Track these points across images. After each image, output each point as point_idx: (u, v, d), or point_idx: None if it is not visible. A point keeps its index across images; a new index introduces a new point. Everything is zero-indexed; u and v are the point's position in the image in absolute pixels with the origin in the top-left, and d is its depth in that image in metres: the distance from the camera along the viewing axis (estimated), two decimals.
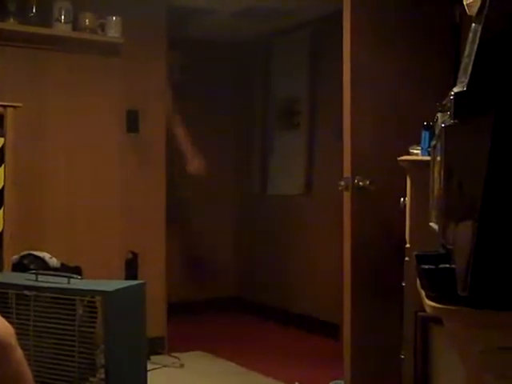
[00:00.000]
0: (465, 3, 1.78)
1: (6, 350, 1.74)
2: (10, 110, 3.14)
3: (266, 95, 5.20)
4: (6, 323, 1.81)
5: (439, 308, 1.38)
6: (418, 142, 2.54)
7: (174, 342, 4.05)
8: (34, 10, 3.61)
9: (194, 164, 4.31)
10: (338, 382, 3.15)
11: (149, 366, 2.90)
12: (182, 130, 4.39)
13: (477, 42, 1.33)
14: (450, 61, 2.92)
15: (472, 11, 1.70)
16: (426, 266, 1.53)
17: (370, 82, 2.96)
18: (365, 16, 2.94)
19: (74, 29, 3.76)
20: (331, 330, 4.08)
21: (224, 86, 4.84)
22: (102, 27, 3.86)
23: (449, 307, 1.35)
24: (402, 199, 2.59)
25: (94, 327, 2.39)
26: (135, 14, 3.96)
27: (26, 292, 2.48)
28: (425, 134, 2.45)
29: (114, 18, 3.87)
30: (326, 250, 4.32)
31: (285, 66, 4.99)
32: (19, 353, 1.80)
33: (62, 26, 3.70)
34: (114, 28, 3.88)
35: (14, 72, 3.53)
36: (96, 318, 2.39)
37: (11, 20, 3.54)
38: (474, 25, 1.48)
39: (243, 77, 5.25)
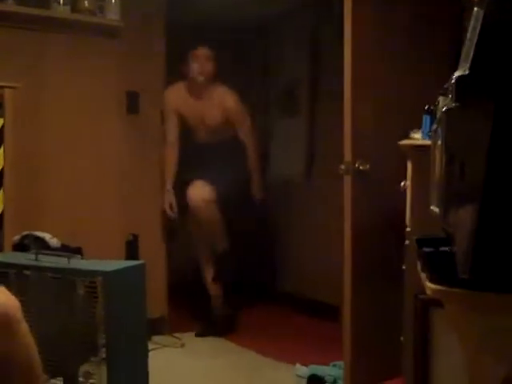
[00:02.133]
0: None
1: (12, 323, 1.77)
2: (8, 90, 3.14)
3: (265, 80, 5.19)
4: (12, 296, 1.83)
5: (439, 290, 1.39)
6: (418, 127, 2.54)
7: (176, 323, 4.08)
8: None
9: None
10: (338, 363, 3.18)
11: (149, 346, 2.92)
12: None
13: (479, 26, 1.33)
14: (452, 46, 2.91)
15: None
16: (427, 249, 1.54)
17: (372, 66, 2.96)
18: (365, 3, 2.93)
19: (73, 11, 3.73)
20: (331, 312, 4.10)
21: (223, 72, 4.82)
22: (101, 9, 3.84)
23: (449, 289, 1.36)
24: (402, 182, 2.60)
25: (94, 307, 2.41)
26: None
27: (25, 272, 2.50)
28: (426, 118, 2.45)
29: (113, 0, 3.85)
30: (326, 234, 4.33)
31: (285, 50, 4.97)
32: (25, 326, 1.82)
33: (60, 8, 3.68)
34: (113, 10, 3.86)
35: (12, 54, 3.51)
36: (96, 297, 2.40)
37: (10, 1, 3.52)
38: (476, 9, 1.48)
39: (243, 62, 5.23)
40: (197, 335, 3.99)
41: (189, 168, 4.21)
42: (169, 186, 4.16)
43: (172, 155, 4.21)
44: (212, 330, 4.03)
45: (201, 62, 4.09)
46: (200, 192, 4.10)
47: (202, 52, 4.11)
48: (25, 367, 1.81)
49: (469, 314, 1.39)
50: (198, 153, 4.25)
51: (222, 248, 4.26)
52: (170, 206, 4.12)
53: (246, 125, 4.28)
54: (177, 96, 4.20)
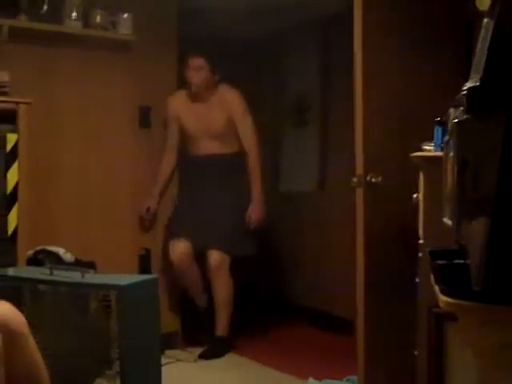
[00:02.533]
0: None
1: (19, 339, 1.77)
2: (22, 106, 3.17)
3: (277, 92, 5.20)
4: (18, 312, 1.84)
5: (453, 303, 1.37)
6: (430, 139, 2.53)
7: (189, 337, 4.07)
8: (45, 7, 3.63)
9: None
10: (352, 377, 3.16)
11: (163, 361, 2.92)
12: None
13: (489, 37, 1.32)
14: (462, 56, 2.91)
15: (484, 6, 1.70)
16: (440, 262, 1.53)
17: (382, 78, 2.96)
18: (376, 13, 2.93)
19: (85, 26, 3.77)
20: (345, 326, 4.08)
21: (235, 84, 4.84)
22: (113, 24, 3.88)
23: (463, 302, 1.35)
24: (414, 195, 2.59)
25: (108, 321, 2.41)
26: (146, 10, 3.97)
27: (40, 286, 2.51)
28: (437, 130, 2.44)
29: (125, 14, 3.88)
30: (339, 246, 4.32)
31: (296, 62, 4.99)
32: (32, 342, 1.83)
33: (73, 23, 3.72)
34: (125, 25, 3.89)
35: (25, 69, 3.55)
36: (110, 312, 2.41)
37: (23, 17, 3.56)
38: (486, 20, 1.48)
39: (255, 74, 5.25)
40: (200, 357, 3.89)
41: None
42: (156, 191, 4.06)
43: (170, 159, 4.12)
44: (212, 353, 3.91)
45: (193, 72, 4.04)
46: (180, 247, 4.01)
47: (194, 62, 4.05)
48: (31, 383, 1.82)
49: (483, 328, 1.38)
50: (197, 173, 4.09)
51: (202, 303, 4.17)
52: (147, 210, 4.01)
53: (247, 121, 4.11)
54: (178, 102, 4.14)
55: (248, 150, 4.08)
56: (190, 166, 4.13)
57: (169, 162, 4.12)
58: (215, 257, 3.97)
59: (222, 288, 4.02)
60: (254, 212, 4.05)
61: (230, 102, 4.09)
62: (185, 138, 4.16)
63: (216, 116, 4.09)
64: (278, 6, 4.29)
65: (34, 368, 1.83)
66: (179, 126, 4.13)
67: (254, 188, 4.06)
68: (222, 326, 4.02)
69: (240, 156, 4.10)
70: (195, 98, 4.12)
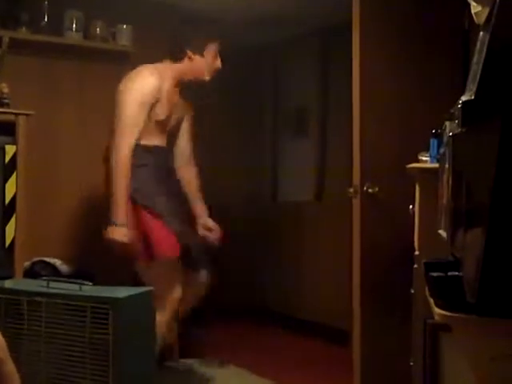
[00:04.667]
0: (473, 12, 1.78)
1: None
2: (22, 117, 3.18)
3: (276, 103, 5.22)
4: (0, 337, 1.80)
5: (448, 316, 1.38)
6: (426, 149, 2.54)
7: (185, 349, 4.05)
8: (45, 19, 3.65)
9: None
10: None
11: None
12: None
13: (484, 50, 1.33)
14: (459, 68, 2.93)
15: (480, 20, 1.71)
16: (435, 274, 1.54)
17: (380, 90, 2.97)
18: (374, 25, 2.95)
19: (85, 37, 3.79)
20: (340, 337, 4.08)
21: (234, 94, 4.86)
22: (113, 36, 3.90)
23: (457, 315, 1.35)
24: (410, 206, 2.60)
25: (104, 333, 2.41)
26: (146, 22, 3.99)
27: (37, 298, 2.51)
28: (433, 142, 2.45)
29: (125, 26, 3.91)
30: (336, 256, 4.32)
31: (295, 73, 5.01)
32: (10, 367, 1.79)
33: (73, 35, 3.74)
34: (124, 36, 3.92)
35: (26, 80, 3.57)
36: (107, 324, 2.41)
37: (23, 29, 3.58)
38: (481, 33, 1.49)
39: (253, 84, 5.27)
40: None
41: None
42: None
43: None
44: None
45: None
46: None
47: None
48: None
49: (477, 340, 1.38)
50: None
51: None
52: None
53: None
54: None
55: (187, 169, 3.55)
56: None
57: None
58: None
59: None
60: (208, 227, 3.49)
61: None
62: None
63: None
64: (277, 17, 4.31)
65: None
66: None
67: (198, 201, 3.53)
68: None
69: None
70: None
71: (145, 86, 3.19)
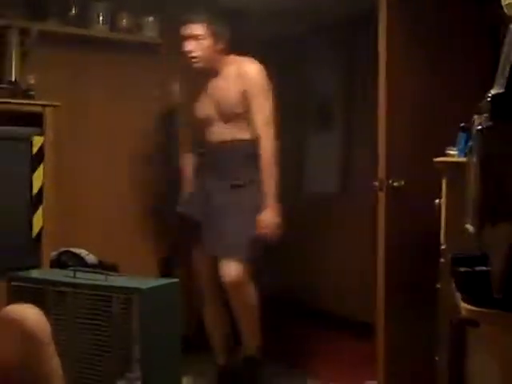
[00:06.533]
0: (503, 3, 1.76)
1: (39, 346, 1.78)
2: (48, 109, 3.20)
3: (301, 94, 5.20)
4: (44, 319, 1.84)
5: (475, 311, 1.38)
6: (453, 143, 2.52)
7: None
8: (73, 11, 3.67)
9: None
10: (372, 383, 3.14)
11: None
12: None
13: None
14: (487, 62, 2.89)
15: (511, 11, 1.69)
16: (462, 269, 1.53)
17: (405, 83, 2.95)
18: (400, 16, 2.93)
19: (112, 29, 3.81)
20: (364, 331, 4.06)
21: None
22: (139, 27, 3.91)
23: (484, 310, 1.35)
24: (436, 200, 2.58)
25: (129, 324, 2.43)
26: (172, 13, 3.99)
27: (64, 288, 2.54)
28: (461, 136, 2.43)
29: (151, 18, 3.91)
30: (360, 249, 4.30)
31: (320, 65, 4.98)
32: (52, 351, 1.83)
33: (100, 27, 3.75)
34: (151, 28, 3.93)
35: (53, 72, 3.59)
36: (131, 314, 2.43)
37: (51, 21, 3.60)
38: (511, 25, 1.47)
39: (277, 76, 5.25)
40: None
41: None
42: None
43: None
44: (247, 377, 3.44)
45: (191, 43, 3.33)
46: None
47: (191, 31, 3.34)
48: None
49: (503, 335, 1.37)
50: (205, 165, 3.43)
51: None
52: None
53: (264, 104, 3.29)
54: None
55: (259, 136, 3.26)
56: (199, 158, 3.47)
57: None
58: (229, 271, 3.20)
59: (245, 308, 3.30)
60: (264, 221, 3.22)
61: (247, 77, 3.32)
62: (196, 127, 3.47)
63: (229, 93, 3.33)
64: (299, 8, 4.29)
65: (51, 378, 1.82)
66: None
67: (267, 190, 3.22)
68: (249, 345, 3.39)
69: (255, 145, 3.29)
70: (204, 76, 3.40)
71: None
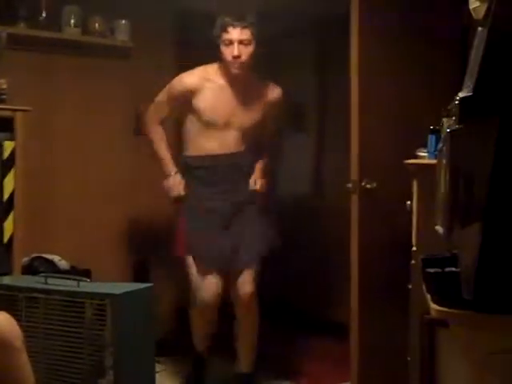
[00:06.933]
0: (470, 7, 1.78)
1: (11, 353, 1.76)
2: (19, 113, 3.17)
3: None
4: (15, 325, 1.82)
5: (444, 311, 1.39)
6: (424, 145, 2.54)
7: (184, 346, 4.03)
8: (43, 15, 3.64)
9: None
10: None
11: (157, 368, 2.91)
12: None
13: (483, 46, 1.33)
14: (457, 63, 2.92)
15: (478, 15, 1.71)
16: (432, 270, 1.54)
17: (378, 84, 2.97)
18: (372, 19, 2.95)
19: (84, 33, 3.78)
20: (337, 331, 4.07)
21: None
22: (112, 31, 3.89)
23: (454, 311, 1.36)
24: (407, 202, 2.60)
25: (102, 329, 2.42)
26: (144, 17, 3.98)
27: (35, 295, 2.51)
28: (431, 138, 2.45)
29: (123, 21, 3.89)
30: (335, 251, 4.32)
31: (292, 68, 5.00)
32: (24, 357, 1.81)
33: (71, 30, 3.73)
34: (123, 31, 3.91)
35: (23, 76, 3.55)
36: (105, 320, 2.41)
37: (21, 24, 3.57)
38: (480, 29, 1.49)
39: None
40: None
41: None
42: (172, 169, 3.33)
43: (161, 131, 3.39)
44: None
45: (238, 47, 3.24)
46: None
47: (243, 33, 3.26)
48: None
49: (473, 335, 1.39)
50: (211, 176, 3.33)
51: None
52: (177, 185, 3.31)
53: (277, 125, 3.57)
54: (198, 79, 3.34)
55: (270, 136, 3.50)
56: (201, 167, 3.31)
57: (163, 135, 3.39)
58: (246, 289, 3.24)
59: (252, 326, 3.33)
60: (256, 180, 3.34)
61: (272, 102, 3.39)
62: (195, 129, 3.32)
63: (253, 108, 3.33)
64: (272, 11, 4.29)
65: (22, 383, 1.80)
66: (187, 107, 3.30)
67: (263, 161, 3.41)
68: (247, 362, 3.37)
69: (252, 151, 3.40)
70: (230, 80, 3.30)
71: None
